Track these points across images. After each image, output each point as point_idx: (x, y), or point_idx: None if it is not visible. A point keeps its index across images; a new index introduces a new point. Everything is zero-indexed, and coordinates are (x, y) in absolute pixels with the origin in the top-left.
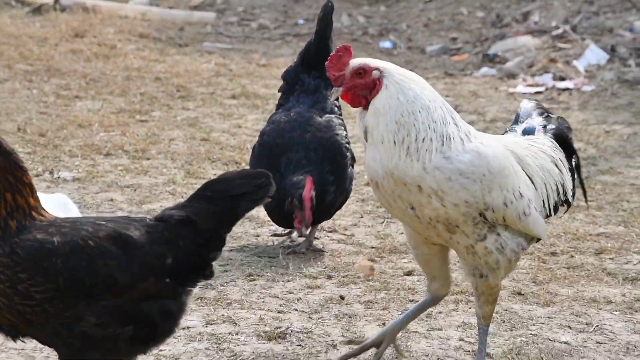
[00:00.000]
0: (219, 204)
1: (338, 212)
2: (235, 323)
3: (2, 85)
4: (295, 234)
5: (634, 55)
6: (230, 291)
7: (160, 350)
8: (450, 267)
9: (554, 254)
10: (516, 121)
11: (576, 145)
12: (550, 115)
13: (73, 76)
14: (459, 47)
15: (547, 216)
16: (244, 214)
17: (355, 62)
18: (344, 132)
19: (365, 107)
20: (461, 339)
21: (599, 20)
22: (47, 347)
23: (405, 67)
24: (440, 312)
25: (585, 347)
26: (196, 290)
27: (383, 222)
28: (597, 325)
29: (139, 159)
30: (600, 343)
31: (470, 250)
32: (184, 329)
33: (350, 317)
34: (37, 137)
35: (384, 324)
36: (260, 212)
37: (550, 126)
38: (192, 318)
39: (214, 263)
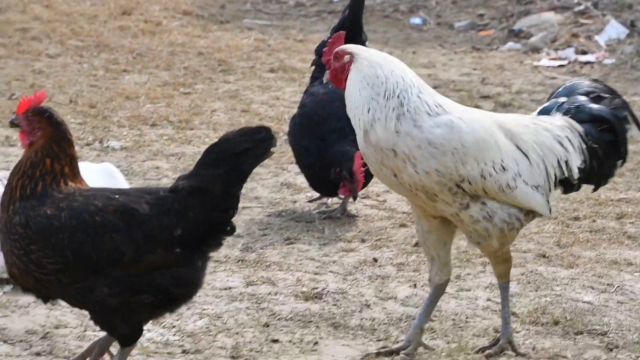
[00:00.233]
0: (224, 165)
1: (372, 180)
2: (274, 284)
3: (55, 60)
4: (330, 200)
5: None
6: (270, 254)
7: (204, 309)
8: (451, 253)
9: (577, 218)
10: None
11: None
12: (602, 95)
13: (121, 51)
14: (485, 23)
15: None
16: (251, 170)
17: (337, 48)
18: None
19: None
20: (488, 299)
21: None
22: None
23: (434, 42)
24: (468, 274)
25: (607, 306)
26: (237, 253)
27: None
28: (618, 286)
29: (182, 129)
30: (621, 303)
31: (457, 218)
32: (226, 289)
33: (382, 278)
34: (88, 108)
35: (415, 285)
36: (297, 179)
37: (576, 106)
38: (233, 279)
39: (233, 219)
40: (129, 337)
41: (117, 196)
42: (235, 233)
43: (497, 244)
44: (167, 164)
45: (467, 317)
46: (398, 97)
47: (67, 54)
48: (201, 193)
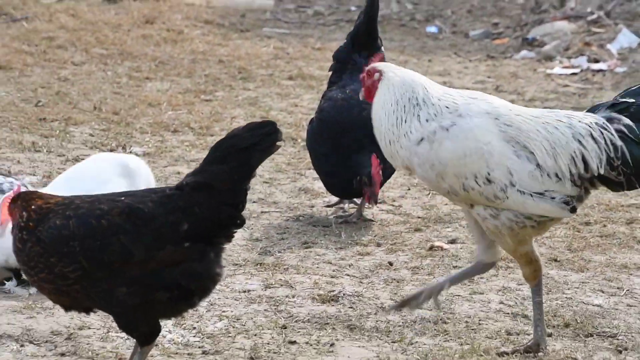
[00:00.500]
0: (231, 161)
1: (387, 185)
2: (291, 287)
3: (80, 68)
4: (347, 205)
5: None
6: (287, 257)
7: (223, 311)
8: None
9: (587, 223)
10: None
11: None
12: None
13: (144, 59)
14: (500, 31)
15: (584, 188)
16: (257, 165)
17: (369, 66)
18: None
19: None
20: (501, 302)
21: (631, 6)
22: None
23: (449, 50)
24: (481, 277)
25: (617, 309)
26: (255, 257)
27: (429, 194)
28: (627, 290)
29: (203, 135)
30: (630, 306)
31: (472, 215)
32: (245, 292)
33: (398, 281)
34: (111, 115)
35: None
36: (314, 184)
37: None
38: (252, 282)
39: (242, 213)
40: (148, 336)
41: (122, 198)
42: (254, 237)
43: (511, 241)
44: (188, 170)
45: (480, 320)
46: (412, 116)
47: (91, 62)
48: (207, 189)
